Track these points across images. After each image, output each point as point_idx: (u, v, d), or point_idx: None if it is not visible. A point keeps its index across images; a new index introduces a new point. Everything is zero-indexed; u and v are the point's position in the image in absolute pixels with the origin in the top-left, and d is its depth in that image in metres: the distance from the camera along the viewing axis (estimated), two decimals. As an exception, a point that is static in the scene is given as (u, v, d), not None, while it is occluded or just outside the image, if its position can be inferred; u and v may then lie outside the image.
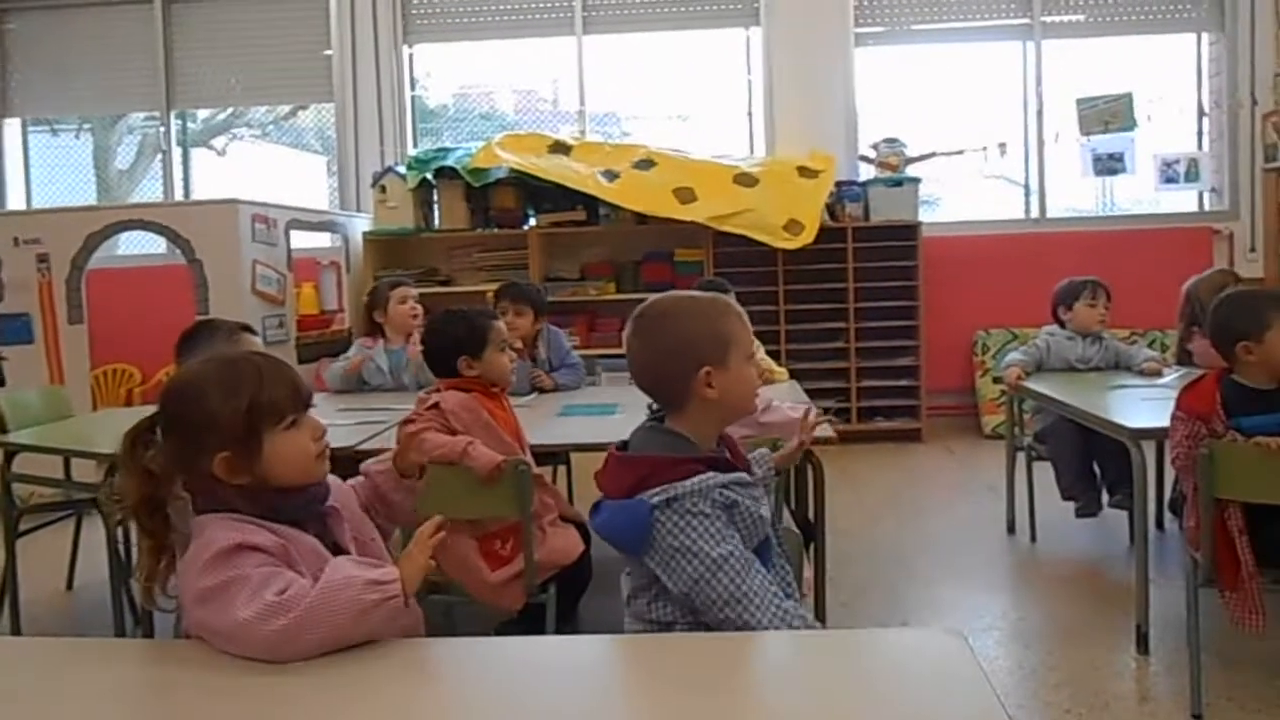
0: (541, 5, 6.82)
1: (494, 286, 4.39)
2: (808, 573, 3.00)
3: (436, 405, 2.77)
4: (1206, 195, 6.70)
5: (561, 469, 4.40)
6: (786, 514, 3.02)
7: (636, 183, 5.90)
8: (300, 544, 1.52)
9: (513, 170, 6.00)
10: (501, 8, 6.83)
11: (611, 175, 5.95)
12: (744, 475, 1.72)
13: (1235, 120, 6.56)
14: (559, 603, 2.76)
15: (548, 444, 3.17)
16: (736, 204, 5.80)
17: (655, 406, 1.82)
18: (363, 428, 3.25)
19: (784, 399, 3.39)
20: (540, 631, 2.67)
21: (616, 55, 6.86)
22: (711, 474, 1.65)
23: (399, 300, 4.29)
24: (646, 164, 6.02)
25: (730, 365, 1.73)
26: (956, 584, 3.80)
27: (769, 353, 4.65)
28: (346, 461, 2.27)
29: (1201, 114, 6.78)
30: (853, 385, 6.14)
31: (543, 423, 3.42)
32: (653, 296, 1.84)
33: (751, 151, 6.71)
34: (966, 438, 6.21)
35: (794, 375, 4.37)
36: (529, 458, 2.79)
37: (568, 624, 2.90)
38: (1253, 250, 6.49)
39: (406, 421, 2.73)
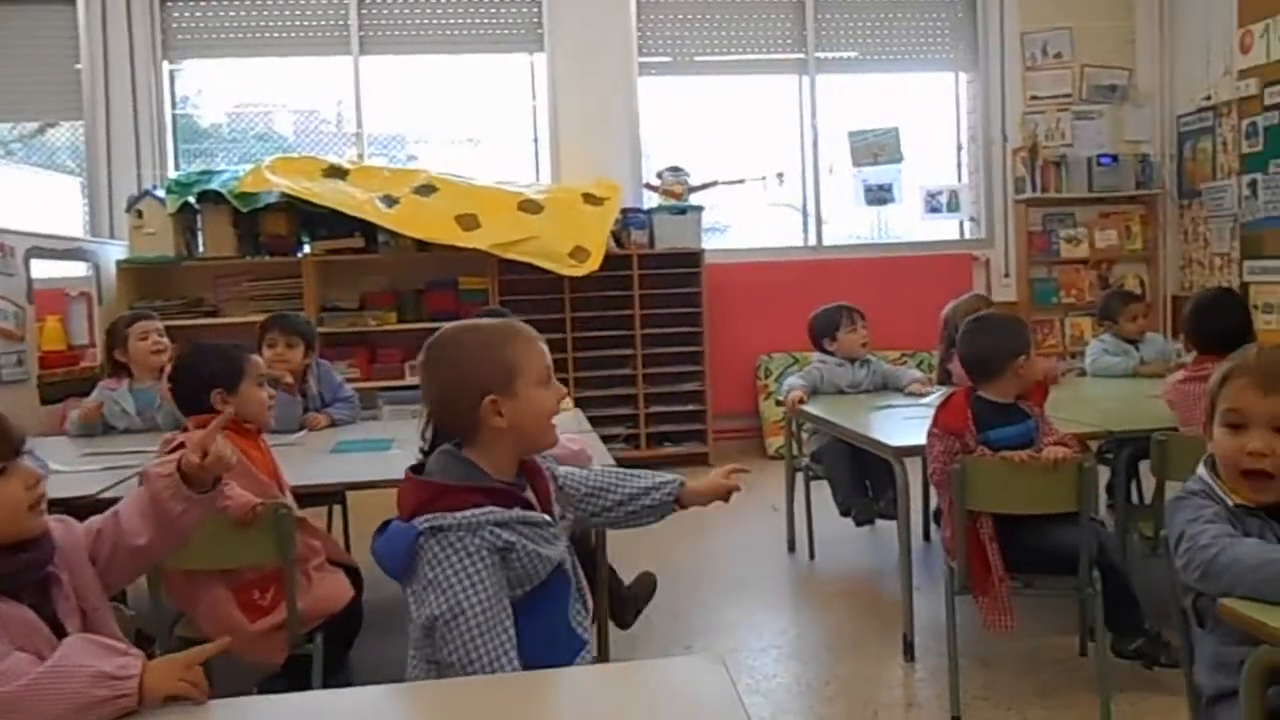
0: (315, 24, 6.56)
1: (264, 317, 4.13)
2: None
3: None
4: (966, 224, 7.15)
5: (339, 509, 4.19)
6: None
7: (417, 209, 5.75)
8: (8, 618, 1.34)
9: (284, 195, 5.71)
10: (272, 25, 6.54)
11: (390, 201, 5.77)
12: (533, 514, 1.66)
13: (989, 155, 7.03)
14: (327, 653, 2.59)
15: (318, 484, 3.00)
16: (521, 231, 5.74)
17: (426, 442, 1.75)
18: (107, 474, 2.98)
19: (566, 429, 3.38)
20: (307, 685, 2.50)
21: (400, 76, 6.68)
22: (490, 509, 1.59)
23: (138, 336, 3.95)
24: (427, 189, 5.88)
25: (519, 392, 1.69)
26: (739, 605, 3.85)
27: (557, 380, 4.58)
28: (86, 511, 2.06)
29: (960, 148, 7.24)
30: (641, 411, 6.19)
31: (314, 461, 3.24)
32: (444, 326, 1.78)
33: (537, 178, 6.68)
34: (752, 459, 6.35)
35: (582, 403, 4.35)
36: (290, 499, 2.63)
37: (338, 675, 2.74)
38: (1006, 275, 6.97)
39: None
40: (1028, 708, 2.86)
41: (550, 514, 1.73)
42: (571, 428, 3.52)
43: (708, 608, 3.81)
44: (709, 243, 6.70)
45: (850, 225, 7.17)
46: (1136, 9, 7.05)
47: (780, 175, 6.82)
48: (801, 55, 6.91)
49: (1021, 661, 3.14)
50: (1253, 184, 6.33)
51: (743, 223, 7.11)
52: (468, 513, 1.57)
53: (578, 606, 1.76)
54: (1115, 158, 6.87)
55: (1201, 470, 1.78)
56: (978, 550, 2.83)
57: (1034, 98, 6.98)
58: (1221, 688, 1.67)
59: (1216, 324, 3.22)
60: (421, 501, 1.61)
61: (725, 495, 2.07)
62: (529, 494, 1.73)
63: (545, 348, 1.78)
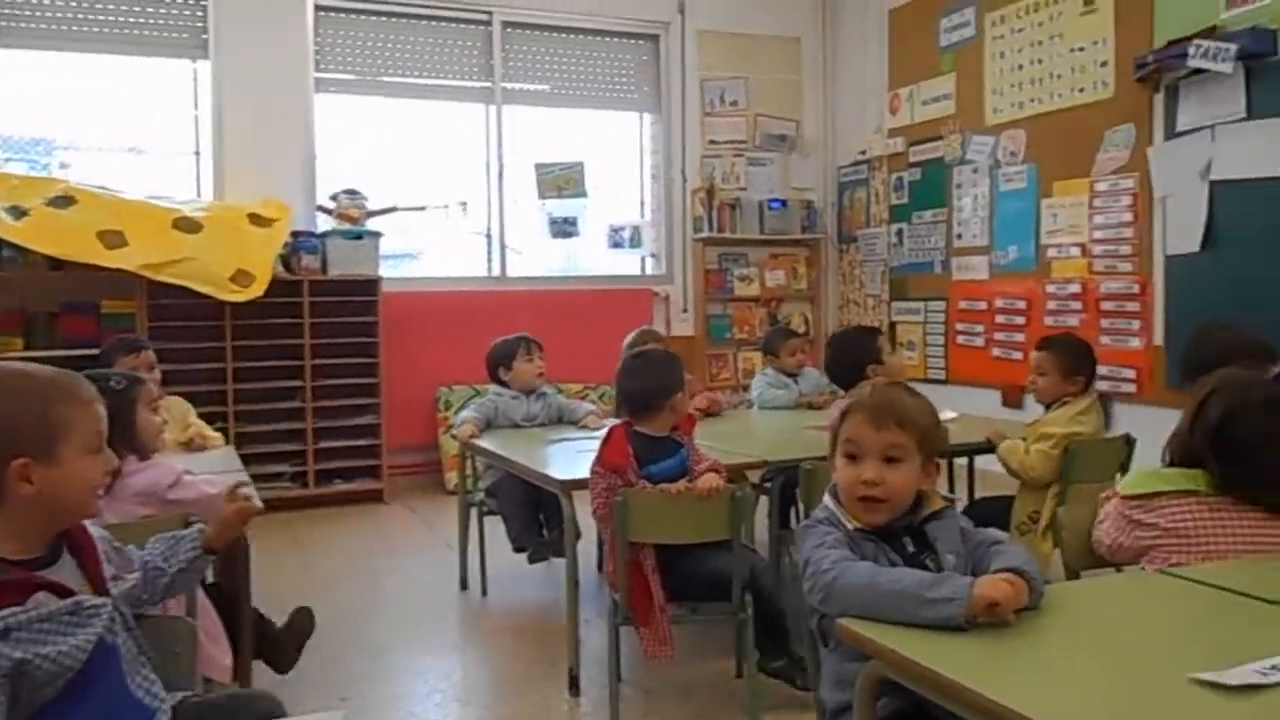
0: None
1: None
2: (227, 660, 2.70)
3: None
4: (648, 260, 7.33)
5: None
6: (202, 594, 2.66)
7: (51, 222, 5.10)
8: None
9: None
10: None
11: (19, 212, 5.10)
12: (53, 606, 1.39)
13: (670, 194, 7.26)
14: None
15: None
16: (176, 251, 5.25)
17: None
18: None
19: (216, 467, 3.11)
20: None
21: (43, 73, 5.93)
22: None
23: None
24: (65, 201, 5.24)
25: (61, 459, 1.45)
26: (406, 648, 3.67)
27: (212, 415, 4.23)
28: None
29: (643, 186, 7.43)
30: (310, 447, 5.80)
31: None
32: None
33: (198, 194, 6.15)
34: (430, 495, 6.15)
35: (244, 439, 3.99)
36: None
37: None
38: (685, 310, 7.20)
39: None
40: (687, 734, 2.87)
41: (101, 587, 1.50)
42: (223, 466, 3.26)
43: (372, 652, 3.59)
44: (396, 270, 6.45)
45: (545, 258, 7.15)
46: (804, 65, 7.55)
47: (464, 204, 6.70)
48: (489, 84, 6.85)
49: (682, 687, 3.19)
50: (899, 233, 6.93)
51: (435, 251, 6.91)
52: None
53: (143, 672, 1.52)
54: (784, 202, 7.30)
55: (827, 498, 1.88)
56: (640, 581, 2.86)
57: (712, 142, 7.29)
58: (840, 702, 1.74)
59: (846, 359, 3.46)
60: None
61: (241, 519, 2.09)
62: (62, 571, 1.48)
63: (103, 410, 1.55)
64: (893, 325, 6.93)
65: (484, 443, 3.94)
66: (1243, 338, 3.13)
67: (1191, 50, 4.68)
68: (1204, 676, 1.28)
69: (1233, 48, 4.54)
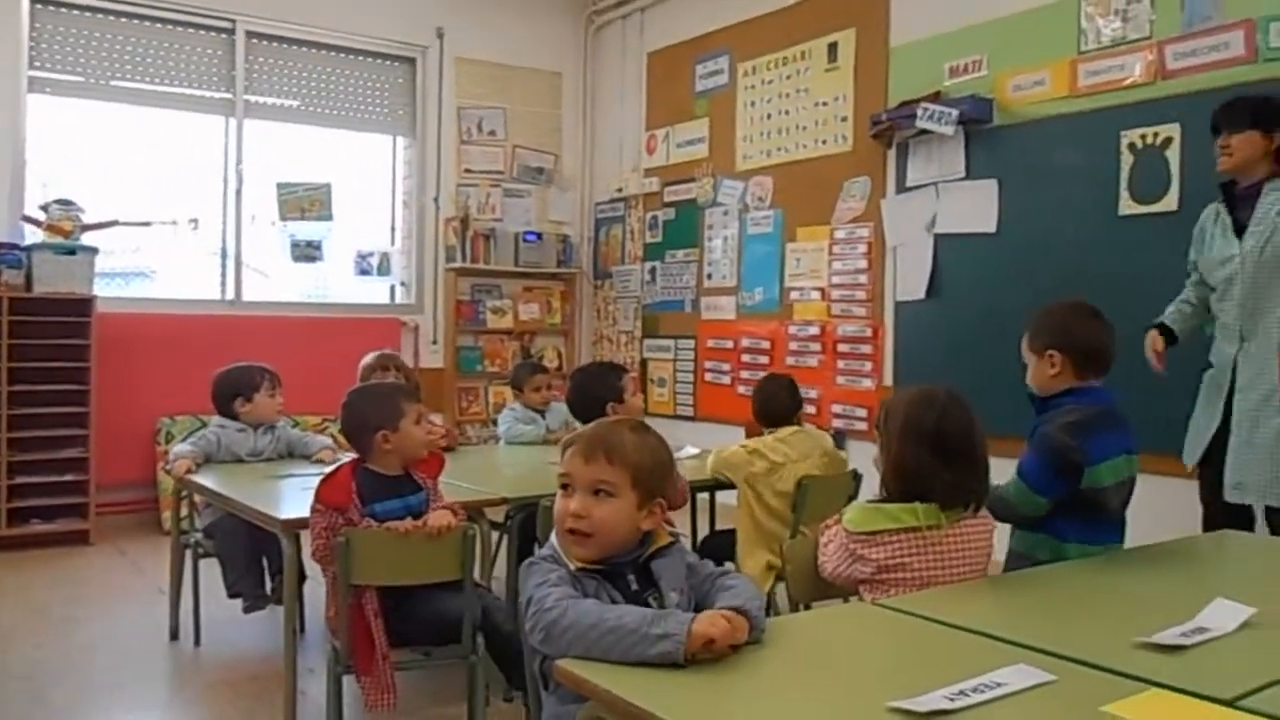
0: None
1: None
2: None
3: None
4: (398, 288, 7.09)
5: None
6: None
7: None
8: None
9: None
10: None
11: None
12: None
13: (423, 221, 7.07)
14: None
15: None
16: None
17: None
18: None
19: None
20: None
21: None
22: None
23: None
24: None
25: None
26: (101, 708, 3.29)
27: None
28: None
29: (394, 212, 7.20)
30: (3, 483, 5.18)
31: None
32: None
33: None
34: (145, 536, 5.62)
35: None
36: None
37: None
38: (435, 342, 7.00)
39: None
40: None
41: None
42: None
43: (66, 713, 3.20)
44: (125, 289, 5.91)
45: (293, 283, 6.76)
46: (564, 100, 7.58)
47: (194, 221, 6.24)
48: (229, 96, 6.45)
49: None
50: (653, 270, 7.04)
51: (171, 271, 6.38)
52: None
53: None
54: (540, 235, 7.26)
55: (553, 536, 1.81)
56: (362, 627, 2.68)
57: (468, 170, 7.17)
58: (552, 746, 1.67)
59: (587, 394, 3.44)
60: None
61: None
62: None
63: None
64: (644, 362, 7.01)
65: (201, 479, 3.61)
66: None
67: (919, 112, 5.01)
68: (900, 705, 1.32)
69: (954, 112, 4.90)
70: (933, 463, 2.09)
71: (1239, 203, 3.39)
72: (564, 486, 1.78)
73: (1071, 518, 2.44)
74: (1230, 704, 1.37)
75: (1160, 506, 3.49)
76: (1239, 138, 3.33)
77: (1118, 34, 4.43)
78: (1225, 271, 3.38)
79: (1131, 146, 4.32)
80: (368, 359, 4.36)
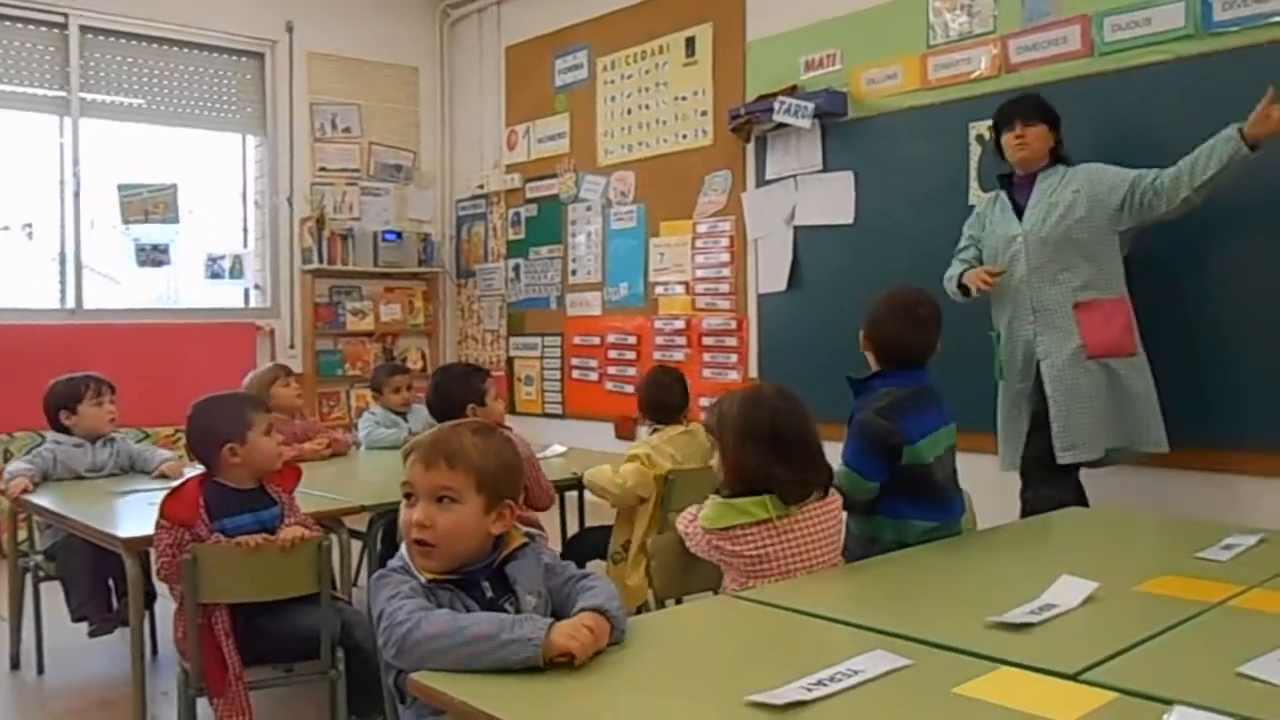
0: None
1: None
2: None
3: None
4: (252, 292, 6.83)
5: None
6: None
7: None
8: None
9: None
10: None
11: None
12: None
13: (276, 222, 6.82)
14: None
15: None
16: None
17: None
18: None
19: None
20: None
21: None
22: None
23: None
24: None
25: None
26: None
27: None
28: None
29: (245, 213, 6.93)
30: None
31: None
32: None
33: None
34: (-17, 560, 5.28)
35: None
36: None
37: None
38: (292, 346, 6.76)
39: None
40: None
41: None
42: None
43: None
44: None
45: (142, 289, 6.43)
46: (421, 96, 7.42)
47: (28, 226, 5.88)
48: (64, 94, 6.09)
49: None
50: (517, 268, 6.96)
51: (4, 279, 5.98)
52: None
53: None
54: (400, 234, 7.09)
55: (403, 547, 1.76)
56: (213, 647, 2.56)
57: (323, 169, 6.95)
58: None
59: (447, 396, 3.37)
60: None
61: None
62: None
63: None
64: (510, 360, 6.94)
65: (39, 498, 3.41)
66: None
67: (776, 106, 5.07)
68: (757, 698, 1.32)
69: (810, 106, 4.97)
70: (772, 460, 2.12)
71: (1016, 190, 3.72)
72: (407, 496, 1.73)
73: (903, 495, 2.51)
74: (1074, 678, 1.42)
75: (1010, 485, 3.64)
76: (1033, 130, 3.60)
77: (964, 28, 4.57)
78: (1010, 250, 3.63)
79: (979, 138, 4.47)
80: (258, 373, 4.18)
